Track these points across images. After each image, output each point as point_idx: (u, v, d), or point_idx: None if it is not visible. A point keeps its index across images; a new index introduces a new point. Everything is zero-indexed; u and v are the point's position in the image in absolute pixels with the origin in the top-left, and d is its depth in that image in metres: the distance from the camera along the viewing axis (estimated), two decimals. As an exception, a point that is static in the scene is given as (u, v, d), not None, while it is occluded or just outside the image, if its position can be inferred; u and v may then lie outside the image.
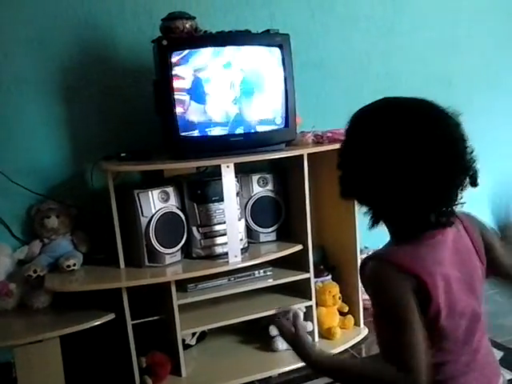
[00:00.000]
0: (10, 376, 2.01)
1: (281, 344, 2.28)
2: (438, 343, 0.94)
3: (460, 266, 0.97)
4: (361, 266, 1.01)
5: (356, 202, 1.02)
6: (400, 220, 0.96)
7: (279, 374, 2.17)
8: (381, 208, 0.97)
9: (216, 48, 2.04)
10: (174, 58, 1.98)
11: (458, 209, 0.97)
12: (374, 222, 0.99)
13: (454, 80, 2.79)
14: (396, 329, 0.89)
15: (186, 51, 2.00)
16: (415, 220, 0.94)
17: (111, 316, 2.02)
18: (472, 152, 0.93)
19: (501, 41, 3.06)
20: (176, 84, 1.99)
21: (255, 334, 2.37)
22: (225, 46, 2.05)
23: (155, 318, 2.12)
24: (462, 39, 2.97)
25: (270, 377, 2.16)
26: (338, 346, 2.33)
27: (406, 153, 0.89)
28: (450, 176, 0.91)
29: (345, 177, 1.00)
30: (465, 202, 0.95)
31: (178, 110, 2.01)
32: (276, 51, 2.13)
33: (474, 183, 0.93)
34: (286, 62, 2.14)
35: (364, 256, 2.67)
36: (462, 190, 0.93)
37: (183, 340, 2.18)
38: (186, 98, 2.02)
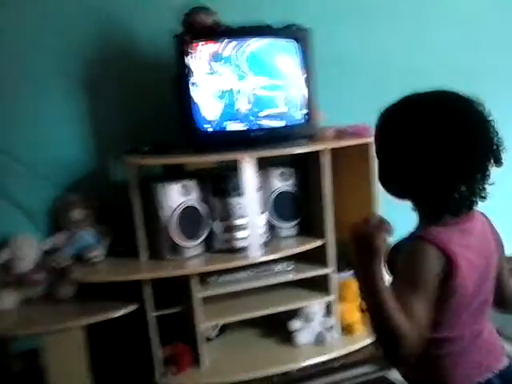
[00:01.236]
0: (34, 363, 2.07)
1: (301, 338, 2.28)
2: (449, 319, 1.02)
3: (482, 255, 1.04)
4: (394, 247, 1.06)
5: (387, 189, 1.09)
6: (430, 200, 1.02)
7: (298, 369, 2.18)
8: (414, 189, 1.03)
9: (237, 42, 2.05)
10: (195, 53, 2.00)
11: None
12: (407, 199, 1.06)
13: (478, 75, 2.73)
14: (410, 295, 0.94)
15: (207, 44, 2.02)
16: (444, 200, 1.00)
17: (134, 307, 2.05)
18: (497, 133, 0.99)
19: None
20: (196, 78, 2.01)
21: (275, 328, 2.39)
22: (246, 39, 2.06)
23: (176, 309, 2.16)
24: (487, 33, 2.90)
25: (290, 371, 2.16)
26: (358, 342, 2.32)
27: (434, 138, 0.96)
28: (474, 154, 0.97)
29: (382, 164, 1.08)
30: (493, 183, 1.02)
31: (198, 104, 2.03)
32: (297, 45, 2.12)
33: (497, 161, 0.99)
34: (307, 57, 2.13)
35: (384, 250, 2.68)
36: (486, 173, 1.00)
37: (204, 332, 2.20)
38: (207, 92, 2.04)
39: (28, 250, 2.14)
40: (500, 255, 1.11)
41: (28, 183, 2.22)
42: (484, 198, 1.02)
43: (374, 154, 1.10)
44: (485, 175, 1.00)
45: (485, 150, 0.98)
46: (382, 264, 0.93)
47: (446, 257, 0.96)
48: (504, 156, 1.00)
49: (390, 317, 0.88)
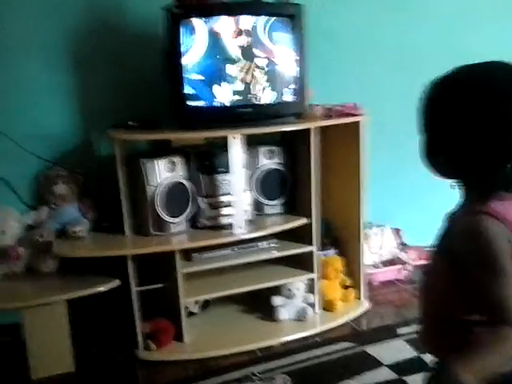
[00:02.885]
0: (18, 337, 2.07)
1: (282, 314, 2.32)
2: None
3: None
4: (450, 227, 1.04)
5: (432, 165, 1.05)
6: (483, 174, 0.99)
7: (280, 344, 2.22)
8: (465, 163, 1.00)
9: (228, 17, 2.01)
10: (185, 27, 1.96)
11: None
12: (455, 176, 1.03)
13: (470, 55, 2.72)
14: (498, 280, 0.91)
15: (197, 20, 1.98)
16: (497, 173, 0.97)
17: (117, 282, 2.05)
18: None
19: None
20: (185, 53, 1.98)
21: (258, 304, 2.41)
22: (237, 15, 2.02)
23: (159, 285, 2.16)
24: (479, 12, 2.90)
25: (271, 346, 2.20)
26: (338, 318, 2.37)
27: (488, 111, 0.94)
28: None
29: (430, 138, 1.04)
30: None
31: (187, 79, 2.00)
32: (288, 21, 2.09)
33: None
34: (299, 33, 2.11)
35: (372, 230, 2.72)
36: None
37: (187, 308, 2.22)
38: (196, 67, 2.01)
39: (10, 224, 2.12)
40: None
41: (11, 155, 2.18)
42: None
43: (418, 127, 1.06)
44: None
45: None
46: None
47: (508, 228, 0.94)
48: None
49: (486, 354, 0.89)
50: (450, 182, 1.05)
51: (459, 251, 0.98)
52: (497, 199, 0.98)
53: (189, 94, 2.02)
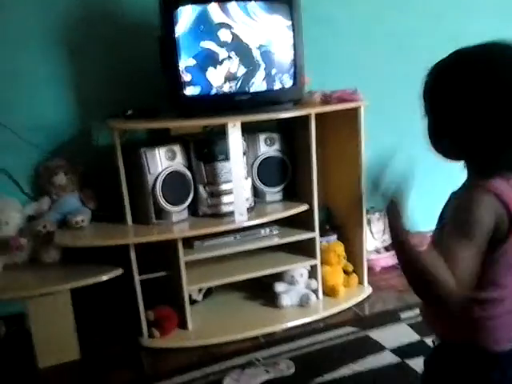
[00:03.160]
0: (22, 327, 2.09)
1: (285, 300, 2.33)
2: (499, 278, 1.00)
3: None
4: (449, 198, 1.05)
5: (436, 147, 1.05)
6: (486, 154, 0.99)
7: (283, 330, 2.23)
8: (469, 144, 1.00)
9: (222, 3, 2.00)
10: (180, 13, 1.94)
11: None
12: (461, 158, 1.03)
13: (467, 40, 2.70)
14: (462, 240, 0.91)
15: (192, 6, 1.96)
16: (500, 153, 0.97)
17: (119, 271, 2.06)
18: None
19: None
20: (181, 40, 1.97)
21: (260, 291, 2.43)
22: (231, 0, 2.01)
23: (162, 273, 2.17)
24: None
25: (274, 332, 2.21)
26: (341, 304, 2.38)
27: (491, 92, 0.94)
28: None
29: (435, 120, 1.04)
30: None
31: (183, 67, 1.99)
32: (285, 7, 2.08)
33: None
34: (295, 19, 2.09)
35: (371, 215, 2.72)
36: None
37: (190, 295, 2.23)
38: (193, 59, 2.00)
39: (12, 214, 2.13)
40: None
41: (11, 146, 2.18)
42: None
43: (423, 110, 1.06)
44: None
45: None
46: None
47: (504, 207, 0.94)
48: None
49: (427, 271, 0.87)
50: (457, 163, 1.05)
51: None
52: (500, 178, 0.98)
53: (185, 81, 2.01)
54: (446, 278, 0.86)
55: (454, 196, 1.05)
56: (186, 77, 2.01)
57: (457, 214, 0.96)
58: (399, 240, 0.92)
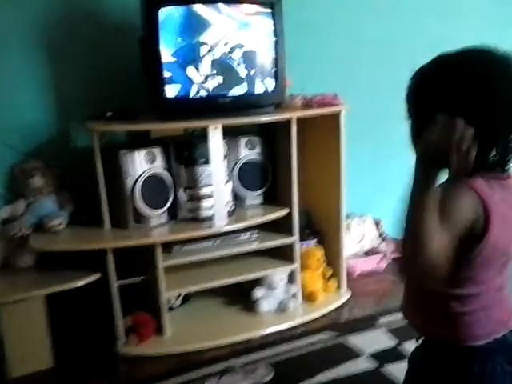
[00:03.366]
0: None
1: (264, 306, 2.31)
2: (475, 275, 1.02)
3: None
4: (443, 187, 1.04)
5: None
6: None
7: (261, 336, 2.21)
8: None
9: (205, 5, 1.98)
10: (162, 14, 1.92)
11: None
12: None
13: (448, 45, 2.74)
14: (441, 225, 0.90)
15: (175, 7, 1.94)
16: (479, 158, 0.95)
17: (97, 276, 2.02)
18: None
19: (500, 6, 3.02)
20: (163, 42, 1.94)
21: (238, 297, 2.41)
22: (214, 3, 1.99)
23: (140, 278, 2.14)
24: (460, 4, 2.92)
25: (253, 338, 2.19)
26: (320, 309, 2.38)
27: (471, 97, 0.97)
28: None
29: (417, 123, 1.06)
30: None
31: (165, 69, 1.97)
32: (267, 11, 2.07)
33: None
34: (277, 23, 2.09)
35: (354, 220, 2.72)
36: None
37: (168, 301, 2.20)
38: (173, 57, 1.97)
39: (-15, 218, 2.07)
40: None
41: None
42: None
43: (406, 114, 1.07)
44: None
45: None
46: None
47: (482, 205, 0.96)
48: None
49: (424, 219, 0.87)
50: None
51: None
52: (480, 177, 1.00)
53: (166, 78, 1.97)
54: (431, 236, 0.87)
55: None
56: (166, 74, 1.97)
57: (441, 199, 0.96)
58: (428, 157, 0.87)
